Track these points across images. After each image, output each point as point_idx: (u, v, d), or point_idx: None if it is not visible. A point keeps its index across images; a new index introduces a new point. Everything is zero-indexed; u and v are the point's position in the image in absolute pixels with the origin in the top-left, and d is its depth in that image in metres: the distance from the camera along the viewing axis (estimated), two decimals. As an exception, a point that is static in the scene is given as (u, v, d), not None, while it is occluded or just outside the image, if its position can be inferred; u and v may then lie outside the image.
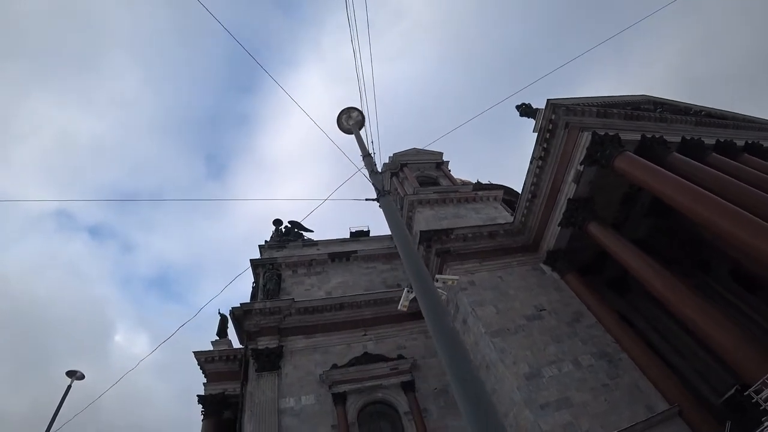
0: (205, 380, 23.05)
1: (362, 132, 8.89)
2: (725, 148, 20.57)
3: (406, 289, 6.49)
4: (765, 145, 22.73)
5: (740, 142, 21.58)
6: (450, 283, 6.54)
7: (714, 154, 19.67)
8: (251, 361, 19.34)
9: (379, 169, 8.19)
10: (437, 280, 5.80)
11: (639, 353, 16.34)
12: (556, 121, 18.99)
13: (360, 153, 8.54)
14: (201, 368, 23.20)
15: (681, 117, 21.47)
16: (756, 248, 12.59)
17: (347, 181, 9.33)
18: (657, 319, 21.18)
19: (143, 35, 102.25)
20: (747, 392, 12.60)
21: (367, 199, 7.17)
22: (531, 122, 21.08)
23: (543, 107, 19.63)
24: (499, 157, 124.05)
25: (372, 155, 8.34)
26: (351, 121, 9.13)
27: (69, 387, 14.49)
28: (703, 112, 23.04)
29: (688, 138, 19.69)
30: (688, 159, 18.02)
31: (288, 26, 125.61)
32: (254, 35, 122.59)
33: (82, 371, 14.68)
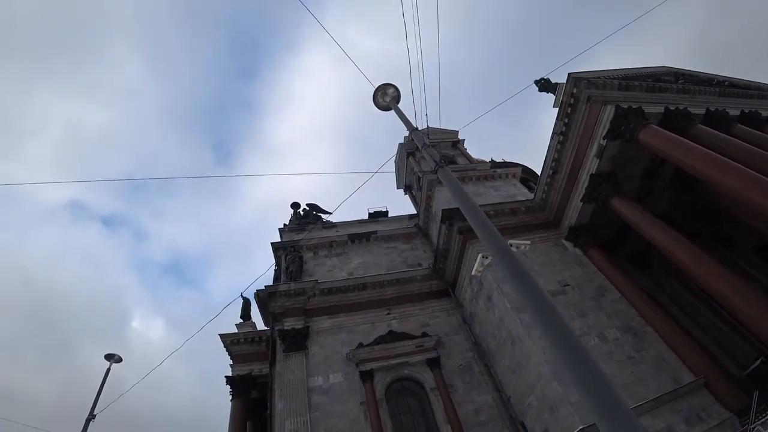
0: (231, 362, 23.52)
1: (407, 109, 8.85)
2: (750, 119, 20.18)
3: (480, 255, 6.63)
4: (791, 115, 22.24)
5: (766, 113, 21.13)
6: (522, 247, 6.65)
7: (739, 125, 19.31)
8: (278, 341, 19.71)
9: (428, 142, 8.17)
10: (511, 245, 5.91)
11: (664, 327, 16.39)
12: (577, 95, 18.73)
13: (400, 129, 8.51)
14: (227, 350, 23.65)
15: (704, 88, 21.02)
16: (788, 219, 12.50)
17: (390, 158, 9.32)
18: (679, 294, 21.19)
19: (143, 23, 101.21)
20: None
21: (427, 172, 7.23)
22: (542, 100, 20.93)
23: (562, 82, 19.34)
24: (509, 136, 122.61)
25: (425, 128, 8.31)
26: (387, 97, 9.08)
27: (108, 370, 14.90)
28: (726, 83, 22.52)
29: (713, 109, 19.32)
30: (713, 131, 17.71)
31: (288, 8, 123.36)
32: (254, 21, 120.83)
33: (119, 354, 15.11)
